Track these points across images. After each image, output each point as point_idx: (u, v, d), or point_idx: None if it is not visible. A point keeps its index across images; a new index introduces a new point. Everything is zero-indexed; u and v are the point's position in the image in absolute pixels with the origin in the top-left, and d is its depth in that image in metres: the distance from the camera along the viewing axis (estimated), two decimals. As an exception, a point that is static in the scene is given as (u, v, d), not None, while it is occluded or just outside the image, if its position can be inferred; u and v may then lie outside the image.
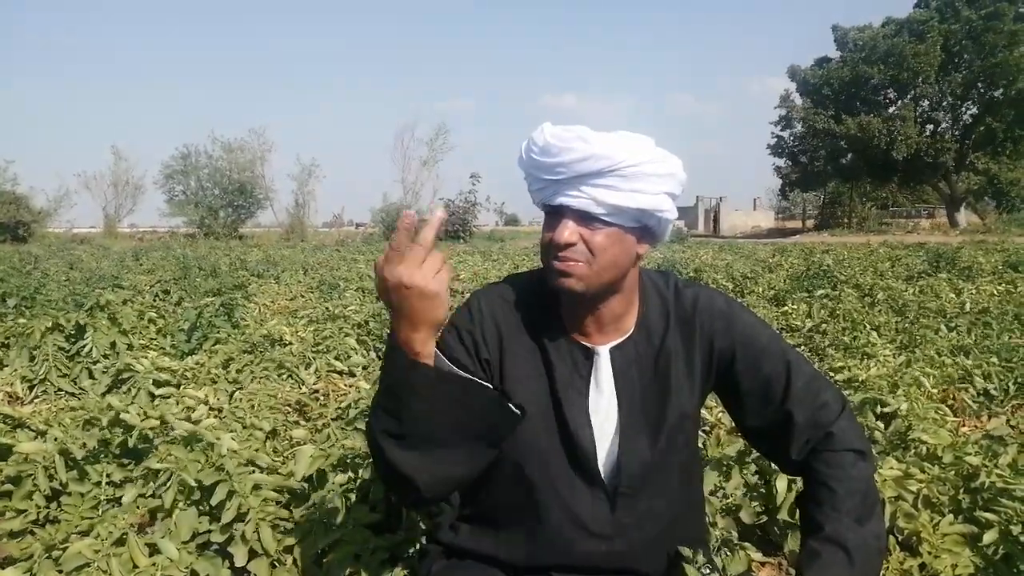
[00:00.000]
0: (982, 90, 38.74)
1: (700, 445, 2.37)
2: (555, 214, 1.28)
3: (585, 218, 1.25)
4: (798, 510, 1.41)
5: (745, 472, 2.29)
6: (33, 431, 2.51)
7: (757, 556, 2.04)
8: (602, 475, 1.34)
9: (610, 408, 1.35)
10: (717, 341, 1.37)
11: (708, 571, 1.18)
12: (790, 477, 2.05)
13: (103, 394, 3.33)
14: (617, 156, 1.21)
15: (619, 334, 1.37)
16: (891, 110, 40.50)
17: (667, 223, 1.32)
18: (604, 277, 1.28)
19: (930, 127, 41.05)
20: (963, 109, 40.74)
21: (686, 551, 1.24)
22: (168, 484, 1.96)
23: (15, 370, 3.91)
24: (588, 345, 1.36)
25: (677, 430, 1.36)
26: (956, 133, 40.70)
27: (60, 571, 1.71)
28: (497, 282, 1.47)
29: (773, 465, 2.05)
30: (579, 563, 1.34)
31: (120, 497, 2.11)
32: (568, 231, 1.25)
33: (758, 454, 2.24)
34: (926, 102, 40.92)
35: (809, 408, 1.34)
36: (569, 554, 1.34)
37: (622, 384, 1.35)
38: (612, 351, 1.35)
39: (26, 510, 2.07)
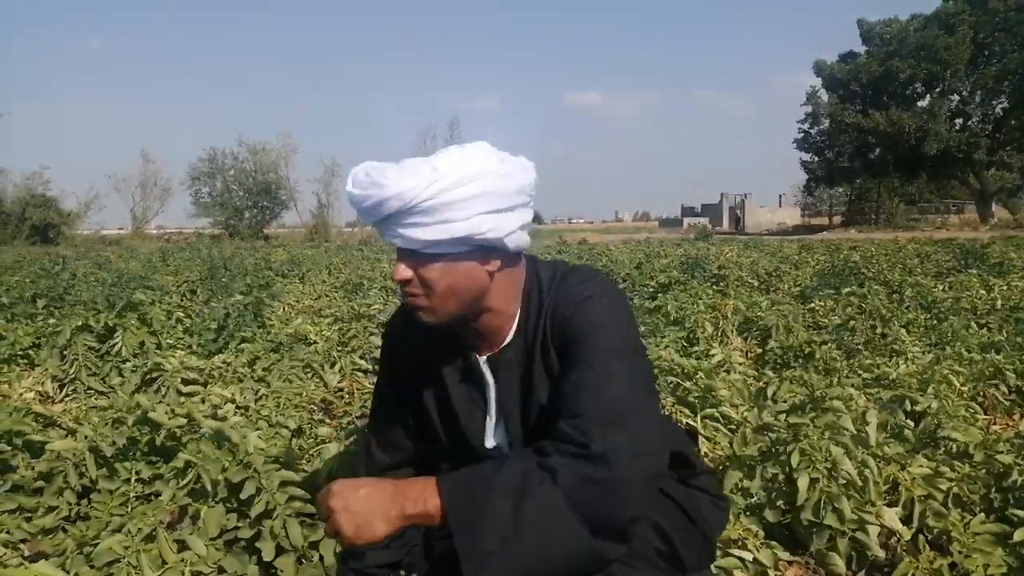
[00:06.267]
0: (1017, 82, 37.84)
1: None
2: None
3: (413, 254, 1.23)
4: None
5: (768, 470, 2.27)
6: (64, 429, 2.55)
7: (784, 555, 2.02)
8: None
9: (497, 413, 1.39)
10: (560, 335, 1.30)
11: None
12: (812, 475, 2.03)
13: (132, 393, 3.38)
14: (408, 195, 1.16)
15: (500, 342, 1.36)
16: (920, 104, 39.77)
17: (510, 237, 1.24)
18: (449, 306, 1.26)
19: (959, 121, 40.26)
20: (994, 104, 39.92)
21: None
22: (197, 482, 1.98)
23: (46, 369, 3.97)
24: (474, 357, 1.38)
25: (544, 426, 1.27)
26: (987, 127, 39.88)
27: (92, 566, 1.74)
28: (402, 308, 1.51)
29: (794, 462, 2.03)
30: None
31: (149, 494, 2.14)
32: (401, 268, 1.25)
33: (781, 453, 2.21)
34: (956, 96, 40.15)
35: (567, 432, 1.16)
36: None
37: (502, 391, 1.37)
38: (490, 361, 1.37)
39: (58, 507, 2.10)
